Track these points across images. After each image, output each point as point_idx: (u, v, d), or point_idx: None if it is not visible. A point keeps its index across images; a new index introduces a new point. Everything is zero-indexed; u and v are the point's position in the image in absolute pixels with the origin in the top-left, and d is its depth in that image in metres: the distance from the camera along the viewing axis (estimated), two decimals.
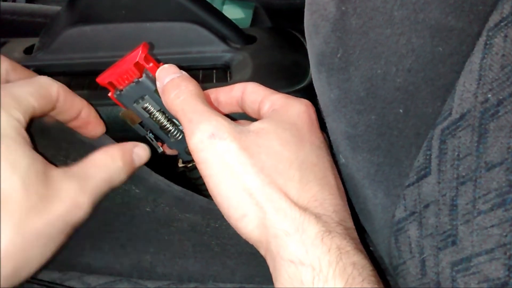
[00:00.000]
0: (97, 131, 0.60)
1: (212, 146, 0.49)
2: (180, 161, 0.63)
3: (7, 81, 0.56)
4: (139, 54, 0.55)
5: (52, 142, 0.58)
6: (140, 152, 0.58)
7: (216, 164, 0.49)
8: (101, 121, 0.61)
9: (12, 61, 0.57)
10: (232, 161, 0.48)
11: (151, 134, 0.61)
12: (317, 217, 0.47)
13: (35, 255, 0.48)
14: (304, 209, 0.47)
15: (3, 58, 0.56)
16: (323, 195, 0.49)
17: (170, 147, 0.62)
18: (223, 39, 0.84)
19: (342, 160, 0.56)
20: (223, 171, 0.48)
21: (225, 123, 0.50)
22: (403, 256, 0.52)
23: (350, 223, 0.50)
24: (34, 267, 0.49)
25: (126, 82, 0.57)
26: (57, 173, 0.50)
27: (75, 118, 0.58)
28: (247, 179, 0.48)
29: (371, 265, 0.46)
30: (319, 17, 0.52)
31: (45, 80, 0.54)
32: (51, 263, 0.57)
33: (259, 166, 0.48)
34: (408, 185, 0.50)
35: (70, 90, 0.56)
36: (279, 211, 0.47)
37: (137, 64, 0.56)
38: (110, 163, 0.55)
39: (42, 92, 0.52)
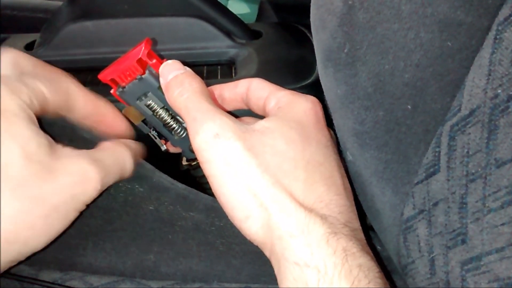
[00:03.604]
0: (118, 130, 0.60)
1: (216, 146, 0.48)
2: (184, 159, 0.63)
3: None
4: (142, 50, 0.55)
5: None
6: (137, 148, 0.59)
7: (221, 164, 0.48)
8: (123, 119, 0.60)
9: (32, 57, 0.57)
10: (236, 161, 0.48)
11: (154, 131, 0.61)
12: (323, 218, 0.46)
13: (42, 224, 0.47)
14: (309, 210, 0.47)
15: (23, 55, 0.56)
16: (329, 195, 0.49)
17: (174, 145, 0.61)
18: (228, 34, 0.83)
19: (349, 157, 0.56)
20: (228, 171, 0.48)
21: (229, 122, 0.49)
22: (412, 255, 0.51)
23: (356, 224, 0.49)
24: (42, 238, 0.48)
25: (129, 78, 0.56)
26: (67, 150, 0.50)
27: (101, 122, 0.58)
28: (251, 179, 0.47)
29: (377, 267, 0.46)
30: (326, 11, 0.51)
31: (57, 75, 0.55)
32: (52, 263, 0.57)
33: (264, 166, 0.48)
34: (417, 183, 0.50)
35: (85, 89, 0.56)
36: (284, 212, 0.46)
37: (140, 61, 0.55)
38: (123, 149, 0.55)
39: (56, 86, 0.53)
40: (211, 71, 0.81)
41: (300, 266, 0.44)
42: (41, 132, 0.49)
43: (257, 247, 0.50)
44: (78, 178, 0.49)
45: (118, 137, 0.59)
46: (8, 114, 0.47)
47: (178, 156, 0.64)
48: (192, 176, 0.64)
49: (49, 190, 0.47)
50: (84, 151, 0.52)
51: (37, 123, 0.50)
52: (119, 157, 0.55)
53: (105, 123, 0.58)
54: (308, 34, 0.88)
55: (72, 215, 0.50)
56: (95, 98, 0.57)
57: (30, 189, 0.46)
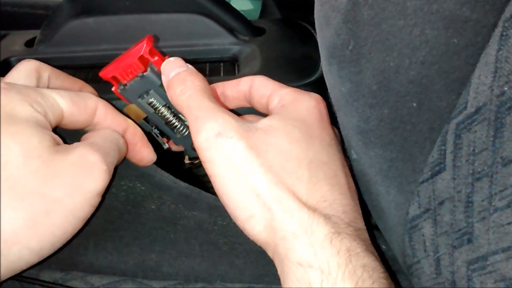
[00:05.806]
0: (144, 155, 0.59)
1: (218, 145, 0.48)
2: (186, 157, 0.62)
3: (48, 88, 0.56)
4: (143, 47, 0.54)
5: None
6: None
7: (223, 163, 0.48)
8: (149, 144, 0.60)
9: (54, 69, 0.57)
10: (239, 161, 0.48)
11: (156, 130, 0.61)
12: (326, 218, 0.46)
13: (45, 223, 0.46)
14: (313, 210, 0.46)
15: (45, 66, 0.56)
16: (333, 195, 0.48)
17: (176, 143, 0.61)
18: (231, 31, 0.83)
19: (354, 155, 0.55)
20: (230, 170, 0.48)
21: (232, 121, 0.49)
22: (417, 255, 0.51)
23: (360, 224, 0.49)
24: (47, 238, 0.47)
25: (130, 76, 0.56)
26: (68, 146, 0.50)
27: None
28: (254, 179, 0.47)
29: (382, 267, 0.46)
30: (330, 8, 0.51)
31: (84, 93, 0.54)
32: (53, 263, 0.56)
33: (266, 165, 0.47)
34: (422, 181, 0.49)
35: (114, 109, 0.56)
36: (287, 212, 0.46)
37: (141, 58, 0.55)
38: (109, 130, 0.55)
39: (75, 99, 0.52)
40: (214, 68, 0.81)
41: (303, 266, 0.44)
42: (48, 132, 0.49)
43: (260, 246, 0.49)
44: (79, 165, 0.49)
45: (141, 163, 0.59)
46: (16, 119, 0.47)
47: (181, 155, 0.63)
48: (194, 174, 0.63)
49: (50, 184, 0.46)
50: (78, 142, 0.52)
51: (49, 127, 0.50)
52: (109, 136, 0.54)
53: (130, 146, 0.58)
54: (312, 31, 0.87)
55: (84, 210, 0.49)
56: (124, 119, 0.57)
57: (28, 186, 0.45)
